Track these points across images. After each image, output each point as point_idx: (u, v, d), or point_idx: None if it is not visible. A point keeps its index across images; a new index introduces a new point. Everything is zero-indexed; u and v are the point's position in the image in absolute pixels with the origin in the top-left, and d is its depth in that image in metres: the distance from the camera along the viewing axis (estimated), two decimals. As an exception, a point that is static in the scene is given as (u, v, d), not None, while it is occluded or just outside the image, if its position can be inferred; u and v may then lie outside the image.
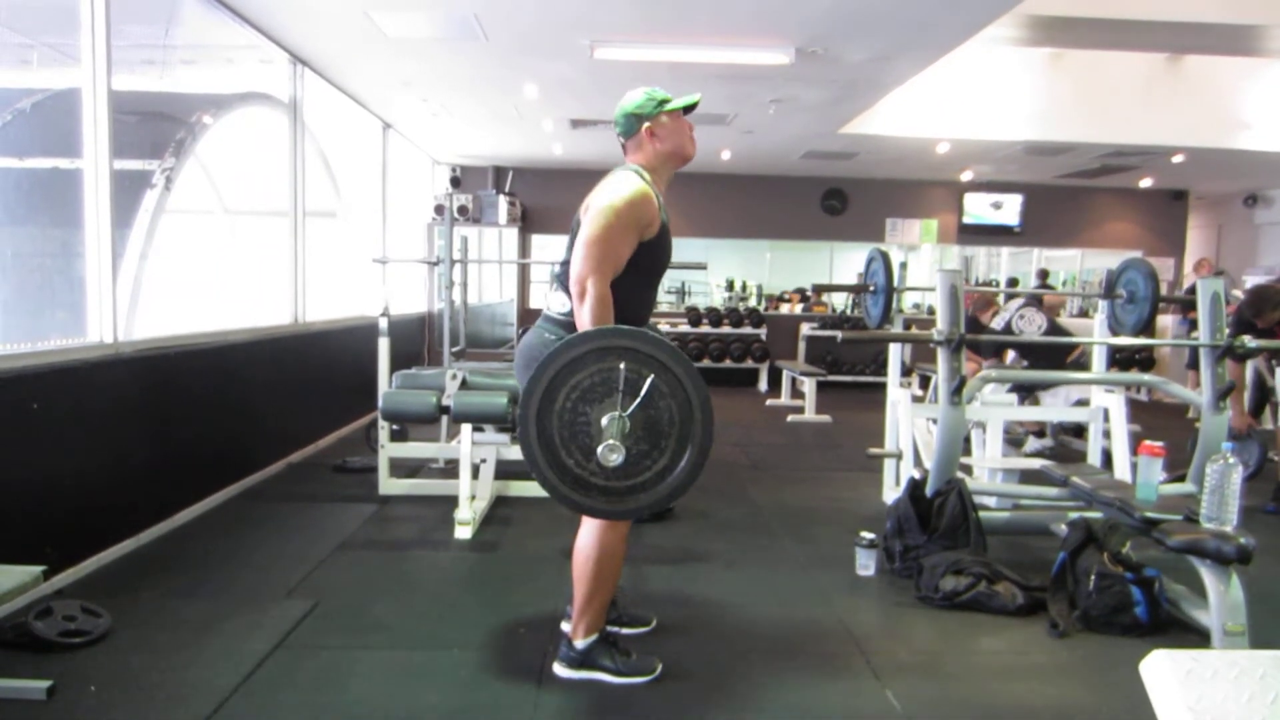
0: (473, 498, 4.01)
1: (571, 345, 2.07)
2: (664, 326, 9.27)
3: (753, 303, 10.82)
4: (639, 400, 2.04)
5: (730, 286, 11.03)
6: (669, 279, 11.02)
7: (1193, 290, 3.82)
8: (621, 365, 2.03)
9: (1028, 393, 5.43)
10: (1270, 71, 7.07)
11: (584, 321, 2.18)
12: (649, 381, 2.04)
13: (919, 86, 6.19)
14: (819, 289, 9.18)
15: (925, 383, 6.90)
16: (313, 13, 4.60)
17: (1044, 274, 10.93)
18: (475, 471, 4.24)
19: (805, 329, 9.80)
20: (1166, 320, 9.30)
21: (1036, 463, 4.24)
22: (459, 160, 9.69)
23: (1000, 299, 6.10)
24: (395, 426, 4.67)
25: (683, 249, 9.41)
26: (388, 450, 4.50)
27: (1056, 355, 5.46)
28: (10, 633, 2.54)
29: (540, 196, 9.87)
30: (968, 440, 4.54)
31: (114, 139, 3.43)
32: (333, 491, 4.62)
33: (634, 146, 2.44)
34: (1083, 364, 5.41)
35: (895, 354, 4.82)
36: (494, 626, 2.85)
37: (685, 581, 3.34)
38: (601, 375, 2.05)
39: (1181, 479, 3.84)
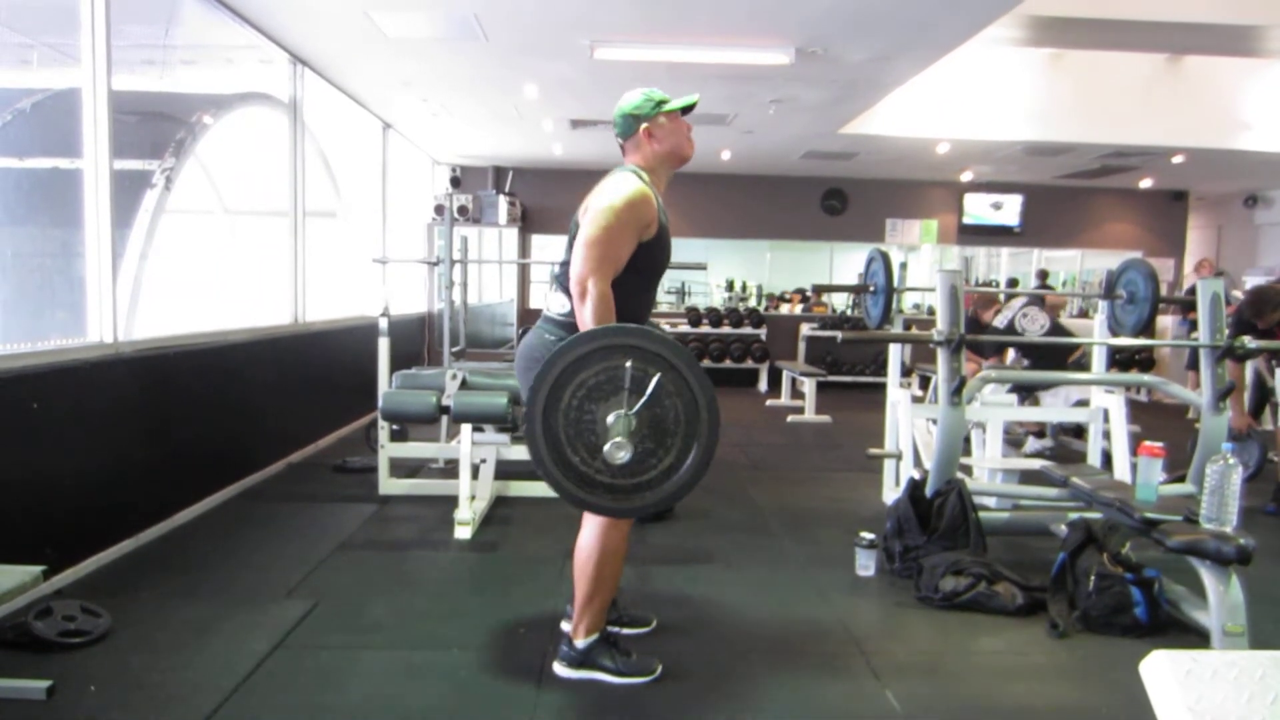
0: (472, 498, 4.01)
1: (578, 343, 2.07)
2: (664, 326, 9.27)
3: (753, 303, 10.82)
4: (645, 399, 2.04)
5: (730, 287, 11.03)
6: (669, 279, 11.03)
7: (1193, 291, 3.82)
8: (628, 364, 2.04)
9: (1028, 393, 5.43)
10: (1270, 72, 7.08)
11: (586, 321, 2.18)
12: (655, 380, 2.04)
13: (919, 87, 6.19)
14: (819, 289, 9.18)
15: (925, 383, 6.90)
16: (313, 13, 4.60)
17: (1044, 274, 10.93)
18: (475, 471, 4.24)
19: (805, 329, 9.81)
20: (1166, 321, 9.30)
21: (1036, 463, 4.24)
22: (459, 160, 9.69)
23: (1001, 298, 6.10)
24: (395, 426, 4.67)
25: (683, 249, 9.41)
26: (388, 450, 4.50)
27: (1058, 355, 5.46)
28: (10, 633, 2.54)
29: (540, 196, 9.88)
30: (967, 441, 4.54)
31: (114, 139, 3.43)
32: (333, 491, 4.62)
33: (632, 147, 2.44)
34: (1084, 364, 5.41)
35: (895, 354, 4.82)
36: (494, 626, 2.85)
37: (685, 581, 3.34)
38: (608, 373, 2.05)
39: (1181, 480, 3.84)
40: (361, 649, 2.66)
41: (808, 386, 7.68)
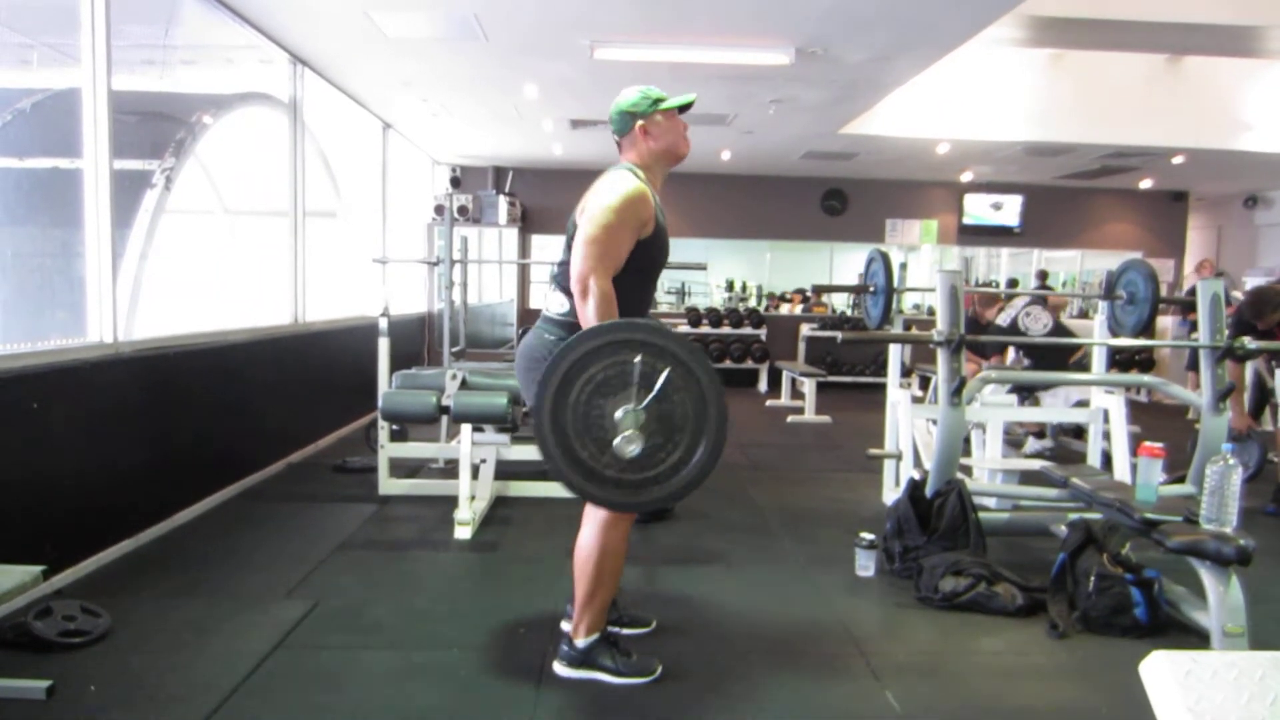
0: (472, 498, 4.01)
1: (587, 338, 2.07)
2: (664, 327, 9.25)
3: (752, 303, 10.82)
4: (654, 394, 2.04)
5: (730, 287, 11.03)
6: (669, 279, 11.04)
7: (1193, 292, 3.82)
8: (637, 359, 2.03)
9: (1028, 393, 5.43)
10: (1270, 72, 7.08)
11: (589, 319, 2.18)
12: (664, 375, 2.04)
13: (919, 87, 6.19)
14: (819, 289, 9.19)
15: (925, 383, 6.90)
16: (313, 13, 4.60)
17: (1044, 275, 10.93)
18: (475, 472, 4.24)
19: (805, 329, 9.81)
20: (1166, 321, 9.31)
21: (1036, 464, 4.24)
22: (459, 160, 9.70)
23: (1003, 297, 6.09)
24: (395, 426, 4.67)
25: (683, 249, 9.45)
26: (387, 450, 4.50)
27: (1060, 355, 5.46)
28: (10, 632, 2.54)
29: (540, 197, 9.88)
30: (967, 441, 4.54)
31: (114, 139, 3.43)
32: (332, 491, 4.62)
33: (628, 144, 2.45)
34: (1085, 365, 5.41)
35: (895, 355, 4.82)
36: (494, 626, 2.85)
37: (685, 581, 3.34)
38: (617, 368, 2.05)
39: (1181, 480, 3.84)
40: (361, 649, 2.66)
41: (808, 387, 7.68)
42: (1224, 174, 9.30)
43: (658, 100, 2.42)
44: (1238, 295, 6.07)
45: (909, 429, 4.25)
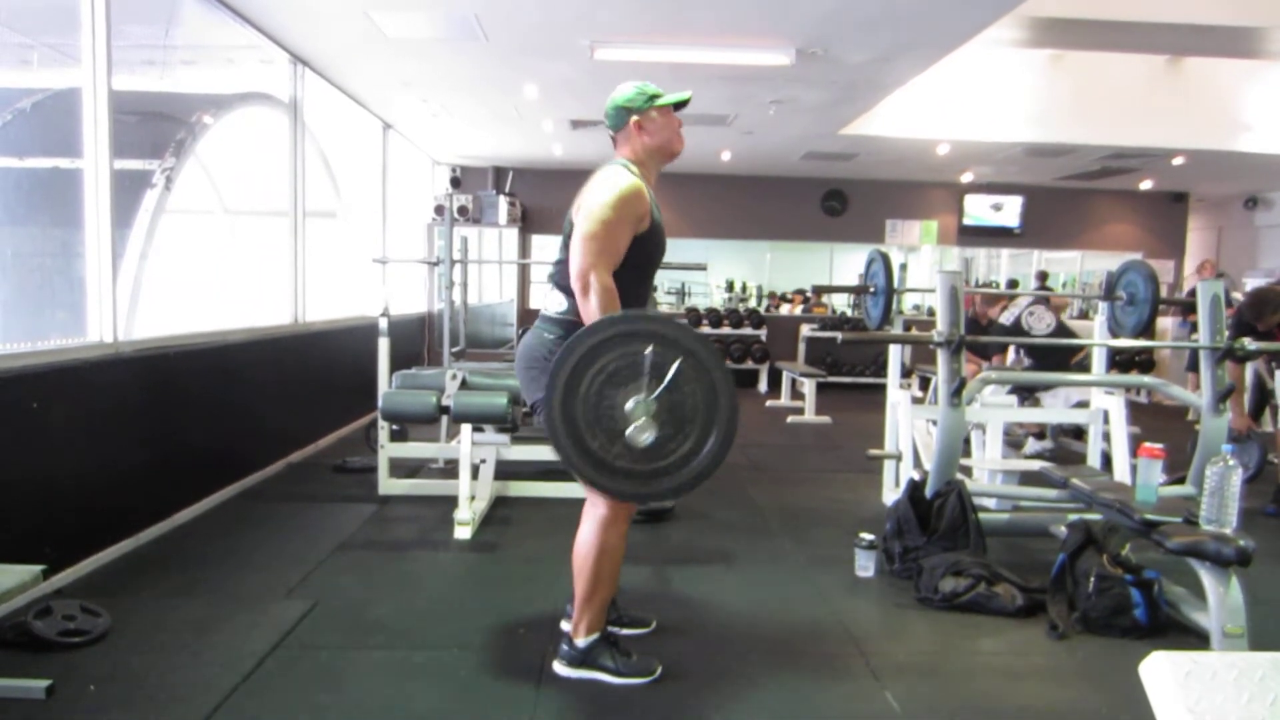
0: (472, 498, 4.01)
1: (597, 329, 2.07)
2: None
3: (753, 303, 10.82)
4: (665, 384, 2.04)
5: (730, 287, 11.04)
6: (669, 280, 11.05)
7: (1194, 293, 3.82)
8: (649, 349, 2.03)
9: (1028, 394, 5.43)
10: (1271, 73, 7.07)
11: (592, 314, 2.17)
12: (676, 365, 2.04)
13: (919, 88, 6.19)
14: (819, 290, 9.19)
15: (925, 384, 6.90)
16: (313, 13, 4.60)
17: (1044, 275, 10.94)
18: (475, 472, 4.24)
19: (805, 330, 9.81)
20: (1166, 322, 9.31)
21: (1036, 464, 4.24)
22: (459, 160, 9.70)
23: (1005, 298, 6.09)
24: (395, 426, 4.67)
25: (683, 250, 9.45)
26: (387, 450, 4.50)
27: (1062, 355, 5.46)
28: (10, 632, 2.54)
29: (540, 197, 9.88)
30: (967, 442, 4.54)
31: (114, 139, 3.43)
32: (332, 492, 4.62)
33: (623, 139, 2.45)
34: (1086, 365, 5.41)
35: (895, 355, 4.82)
36: (494, 626, 2.85)
37: (685, 582, 3.34)
38: (628, 359, 2.05)
39: (1181, 481, 3.85)
40: (361, 649, 2.66)
41: (808, 387, 7.68)
42: (1224, 175, 9.30)
43: (653, 96, 2.43)
44: (1238, 296, 6.07)
45: (909, 430, 4.25)
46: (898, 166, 9.18)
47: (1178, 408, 8.03)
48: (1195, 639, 2.82)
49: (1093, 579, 2.94)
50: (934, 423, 3.74)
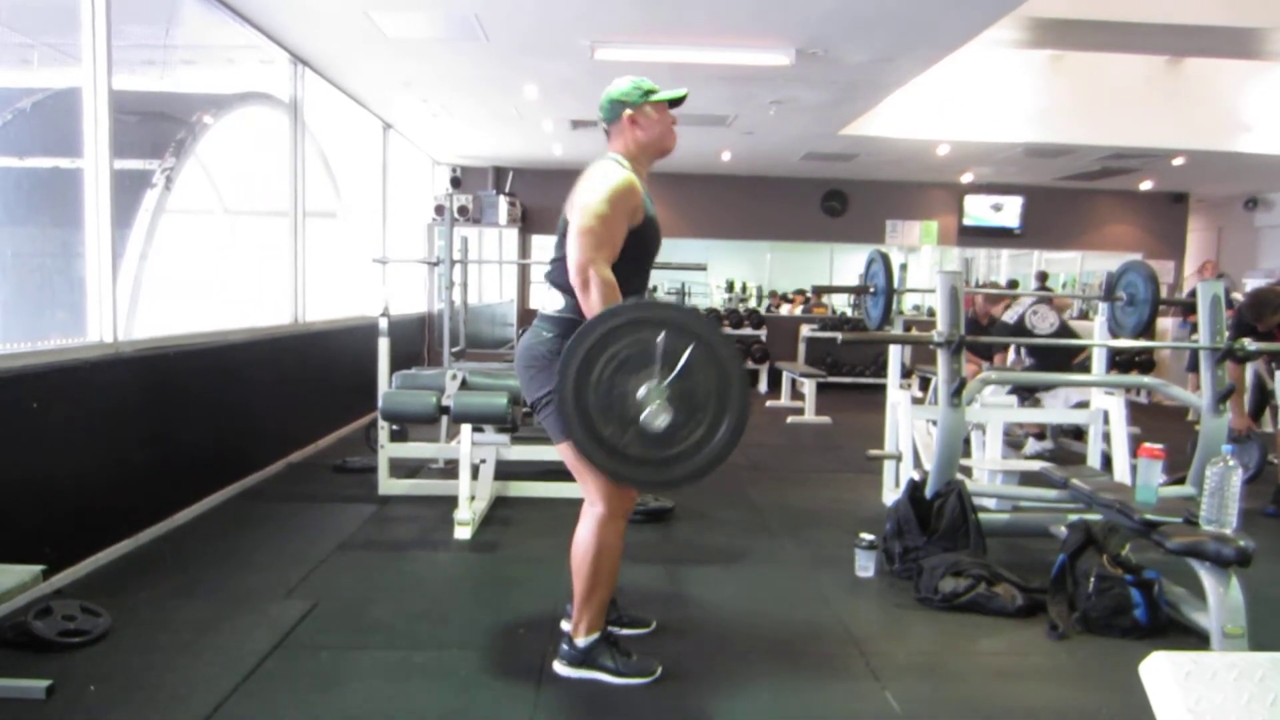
0: (472, 498, 4.01)
1: (608, 317, 2.07)
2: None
3: (753, 304, 10.82)
4: (677, 371, 2.03)
5: (730, 288, 11.04)
6: (669, 280, 11.05)
7: (1194, 293, 3.83)
8: (660, 336, 2.03)
9: (1028, 394, 5.43)
10: (1271, 74, 7.07)
11: (593, 308, 2.16)
12: (689, 351, 2.03)
13: (919, 88, 6.19)
14: (819, 290, 9.20)
15: (925, 384, 6.90)
16: (313, 13, 4.60)
17: (1043, 276, 10.94)
18: (475, 472, 4.24)
19: (805, 330, 9.81)
20: (1166, 323, 9.31)
21: (1036, 465, 4.24)
22: (459, 160, 9.70)
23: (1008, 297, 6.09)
24: (395, 427, 4.67)
25: (683, 250, 9.46)
26: (387, 450, 4.50)
27: (1064, 355, 5.46)
28: (10, 632, 2.54)
29: (540, 197, 9.88)
30: (967, 442, 4.54)
31: (114, 139, 3.43)
32: (332, 492, 4.62)
33: (616, 133, 2.45)
34: (1088, 366, 5.41)
35: (895, 356, 4.82)
36: (493, 626, 2.85)
37: (685, 582, 3.34)
38: (639, 346, 2.04)
39: (1181, 481, 3.84)
40: (361, 649, 2.66)
41: (808, 387, 7.68)
42: (1224, 176, 9.30)
43: (649, 92, 2.43)
44: (1238, 297, 6.07)
45: (909, 430, 4.25)
46: (898, 167, 9.18)
47: (1178, 408, 8.03)
48: (1195, 639, 2.82)
49: (1093, 579, 2.94)
50: (934, 423, 3.74)
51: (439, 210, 9.12)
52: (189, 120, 4.74)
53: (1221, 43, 5.64)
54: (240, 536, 3.80)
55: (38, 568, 2.26)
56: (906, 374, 6.46)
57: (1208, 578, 2.67)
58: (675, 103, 2.47)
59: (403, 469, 4.87)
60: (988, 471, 4.36)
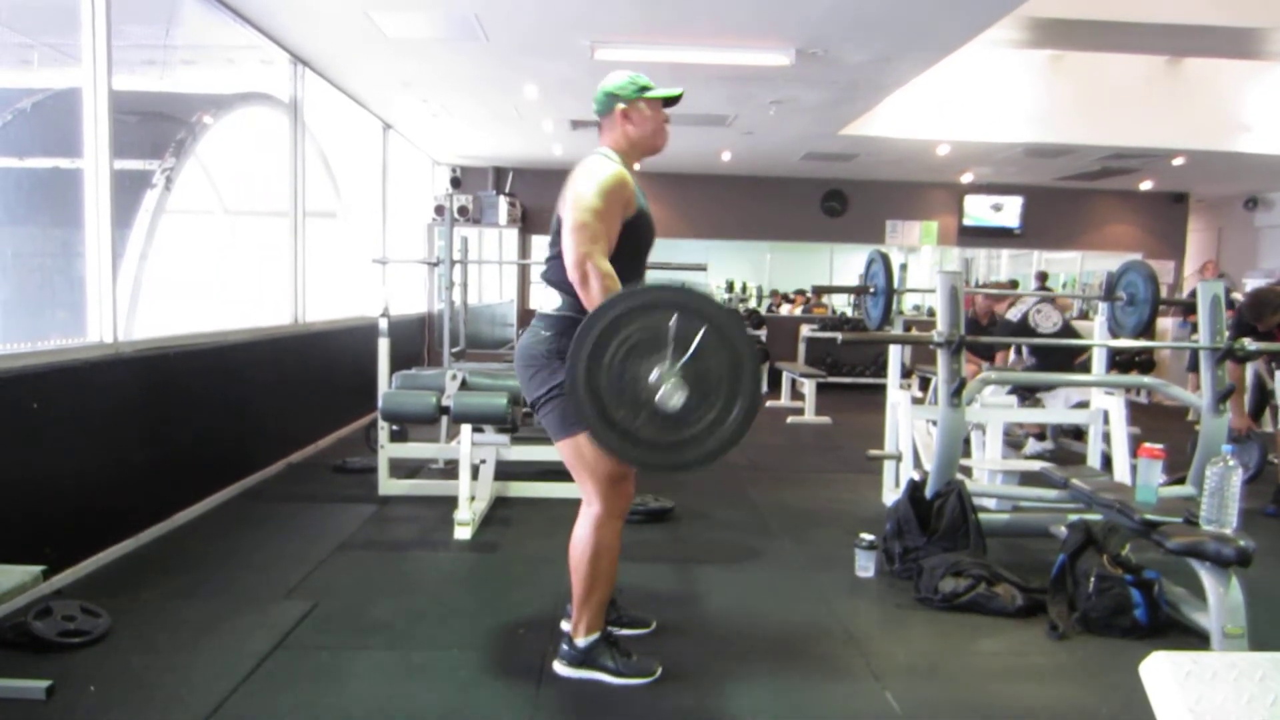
0: (472, 498, 4.01)
1: (620, 300, 2.06)
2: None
3: (753, 304, 10.82)
4: (689, 354, 2.02)
5: (730, 288, 11.04)
6: (669, 280, 11.07)
7: (1194, 294, 3.83)
8: (672, 319, 2.02)
9: (1028, 394, 5.43)
10: (1271, 74, 7.08)
11: (595, 300, 2.15)
12: (701, 334, 2.03)
13: (919, 88, 6.19)
14: (819, 290, 9.20)
15: (925, 384, 6.90)
16: (313, 13, 4.61)
17: (1043, 276, 10.94)
18: (475, 472, 4.24)
19: (805, 330, 9.81)
20: (1166, 323, 9.32)
21: (1036, 465, 4.24)
22: (459, 161, 9.70)
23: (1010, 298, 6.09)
24: (395, 427, 4.67)
25: (683, 250, 9.45)
26: (387, 451, 4.50)
27: (1067, 354, 5.46)
28: (10, 633, 2.54)
29: (540, 197, 9.88)
30: (967, 442, 4.54)
31: (114, 139, 3.43)
32: (332, 492, 4.62)
33: (607, 126, 2.46)
34: (1088, 365, 5.41)
35: (895, 356, 4.82)
36: (493, 627, 2.85)
37: (685, 582, 3.34)
38: (650, 330, 2.03)
39: (1181, 481, 3.84)
40: (361, 649, 2.66)
41: (808, 388, 7.68)
42: (1224, 176, 9.31)
43: (644, 88, 2.43)
44: (1237, 297, 6.07)
45: (909, 430, 4.25)
46: (898, 167, 9.18)
47: (1178, 408, 8.03)
48: (1195, 639, 2.82)
49: (1093, 579, 2.94)
50: (934, 423, 3.74)
51: (439, 210, 9.12)
52: (189, 120, 4.74)
53: (1221, 43, 5.64)
54: (240, 537, 3.80)
55: (37, 568, 2.26)
56: (906, 374, 6.46)
57: (1208, 578, 2.67)
58: (670, 101, 2.47)
59: (403, 469, 4.87)
60: (988, 471, 4.36)
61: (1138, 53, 6.69)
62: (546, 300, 2.39)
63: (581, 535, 2.39)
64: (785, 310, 10.56)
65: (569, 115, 7.01)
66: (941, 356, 3.49)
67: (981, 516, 3.45)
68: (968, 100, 7.20)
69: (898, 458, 4.41)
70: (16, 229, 3.76)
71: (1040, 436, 5.85)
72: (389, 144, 7.81)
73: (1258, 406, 5.15)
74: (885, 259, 4.59)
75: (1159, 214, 10.56)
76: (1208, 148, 7.54)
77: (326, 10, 4.54)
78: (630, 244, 2.32)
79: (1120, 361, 8.56)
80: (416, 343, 8.93)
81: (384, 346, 4.53)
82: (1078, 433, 5.65)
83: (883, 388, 5.26)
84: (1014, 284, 11.10)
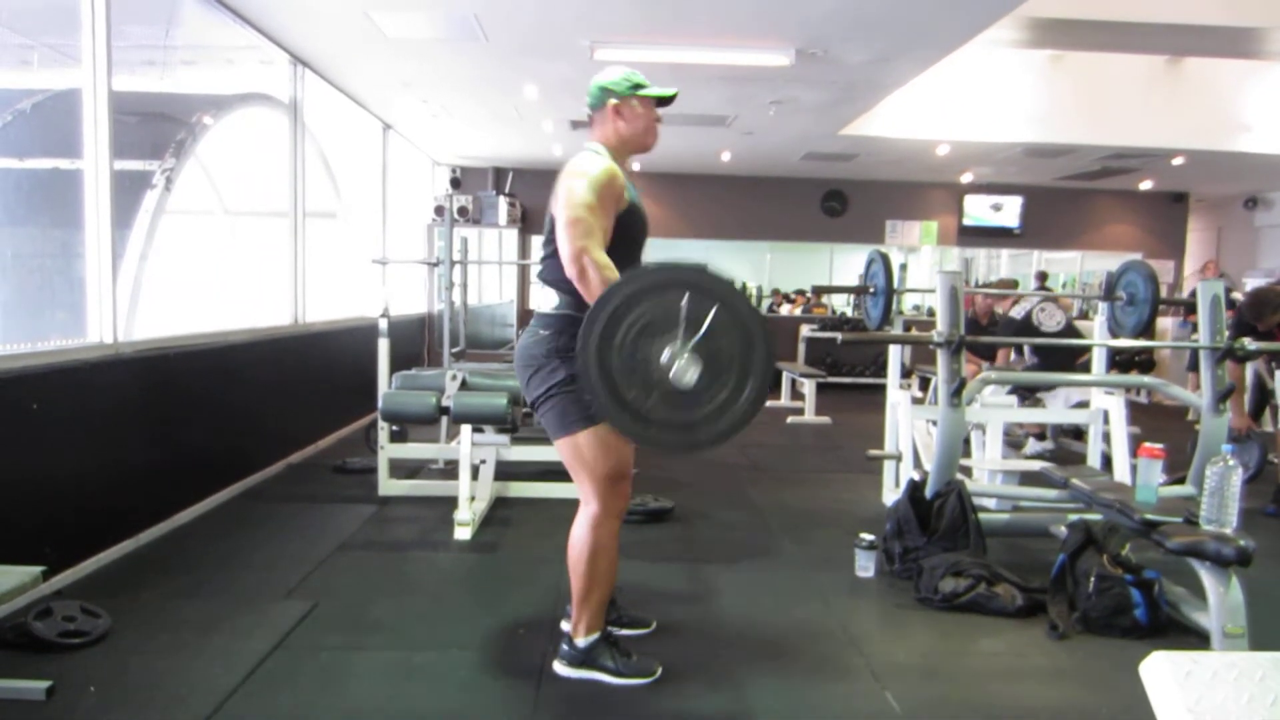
0: (472, 499, 4.01)
1: (631, 280, 2.05)
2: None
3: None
4: (701, 333, 2.02)
5: (730, 287, 11.03)
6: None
7: (1195, 293, 3.83)
8: (684, 299, 2.01)
9: (1029, 394, 5.43)
10: (1270, 74, 7.08)
11: (595, 292, 2.13)
12: (711, 314, 2.02)
13: (919, 88, 6.19)
14: (819, 290, 9.19)
15: (925, 384, 6.90)
16: (313, 13, 4.61)
17: (1043, 276, 10.93)
18: (475, 472, 4.24)
19: (805, 330, 9.80)
20: (1166, 322, 9.32)
21: (1036, 465, 4.24)
22: (459, 161, 9.70)
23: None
24: (395, 427, 4.67)
25: (683, 250, 9.45)
26: (387, 451, 4.50)
27: (1069, 353, 5.46)
28: (10, 633, 2.54)
29: (540, 197, 9.81)
30: (967, 442, 4.54)
31: (114, 139, 3.43)
32: (332, 492, 4.62)
33: (599, 120, 2.46)
34: (1089, 365, 5.41)
35: (895, 356, 4.81)
36: (493, 627, 2.85)
37: (685, 582, 3.34)
38: (662, 309, 2.02)
39: (1181, 481, 3.84)
40: (361, 649, 2.66)
41: (807, 388, 7.68)
42: (1224, 175, 9.30)
43: (637, 85, 2.43)
44: (1237, 296, 6.07)
45: (909, 430, 4.25)
46: (898, 167, 9.18)
47: (1178, 408, 8.02)
48: (1195, 639, 2.82)
49: (1093, 579, 2.94)
50: (934, 423, 3.74)
51: (439, 211, 9.12)
52: (189, 121, 4.74)
53: (1221, 43, 5.64)
54: (240, 537, 3.80)
55: (38, 569, 2.26)
56: (906, 374, 6.46)
57: (1208, 577, 2.67)
58: (663, 101, 2.47)
59: (402, 470, 4.87)
60: (988, 471, 4.36)
61: (1138, 53, 6.69)
62: (545, 300, 2.39)
63: (579, 535, 2.39)
64: (785, 310, 10.56)
65: (569, 115, 7.01)
66: (941, 356, 3.49)
67: (981, 516, 3.45)
68: (967, 100, 7.20)
69: (898, 458, 4.41)
70: (16, 230, 3.75)
71: (1040, 436, 5.85)
72: (389, 144, 7.81)
73: (1258, 406, 5.14)
74: (885, 259, 4.59)
75: (1159, 214, 10.56)
76: (1208, 147, 7.54)
77: (326, 10, 4.54)
78: (624, 238, 2.32)
79: (1120, 361, 8.57)
80: (416, 343, 8.93)
81: (384, 347, 4.53)
82: (1078, 433, 5.65)
83: (883, 388, 5.26)
84: (1014, 284, 11.12)
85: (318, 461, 5.37)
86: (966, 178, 9.97)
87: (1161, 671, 1.18)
